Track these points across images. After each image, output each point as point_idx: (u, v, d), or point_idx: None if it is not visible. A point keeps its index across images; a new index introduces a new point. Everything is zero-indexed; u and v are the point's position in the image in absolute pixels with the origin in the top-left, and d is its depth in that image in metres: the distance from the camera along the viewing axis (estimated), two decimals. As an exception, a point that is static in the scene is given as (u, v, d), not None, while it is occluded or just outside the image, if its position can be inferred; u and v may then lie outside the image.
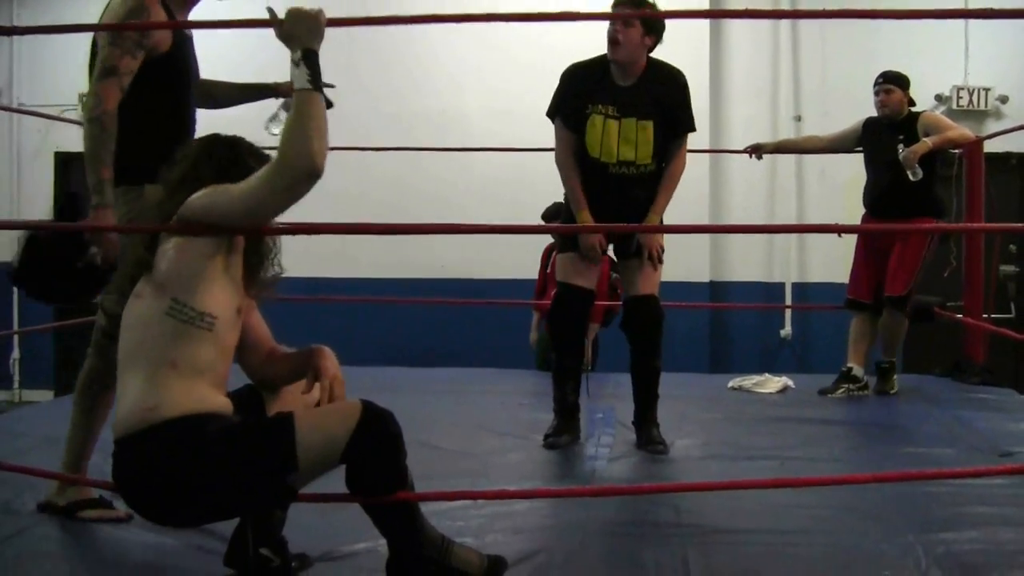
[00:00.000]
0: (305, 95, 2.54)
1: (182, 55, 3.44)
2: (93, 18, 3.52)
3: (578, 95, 4.39)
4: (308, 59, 2.58)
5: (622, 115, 4.33)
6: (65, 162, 9.89)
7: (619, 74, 4.37)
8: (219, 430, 2.51)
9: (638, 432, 4.54)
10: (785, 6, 8.71)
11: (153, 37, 3.25)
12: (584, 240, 4.44)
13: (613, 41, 4.30)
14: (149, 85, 3.27)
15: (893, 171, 5.63)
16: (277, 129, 3.75)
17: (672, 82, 4.43)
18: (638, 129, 4.33)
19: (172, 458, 2.46)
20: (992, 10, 3.38)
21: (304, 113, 2.51)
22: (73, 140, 9.50)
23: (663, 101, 4.38)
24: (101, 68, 3.19)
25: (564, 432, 4.51)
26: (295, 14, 2.63)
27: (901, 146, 5.61)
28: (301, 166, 2.46)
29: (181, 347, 2.51)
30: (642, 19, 4.27)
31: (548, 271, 6.66)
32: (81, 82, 10.79)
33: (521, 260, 6.95)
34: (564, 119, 4.44)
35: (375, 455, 2.52)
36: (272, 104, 3.95)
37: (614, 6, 4.31)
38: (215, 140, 2.77)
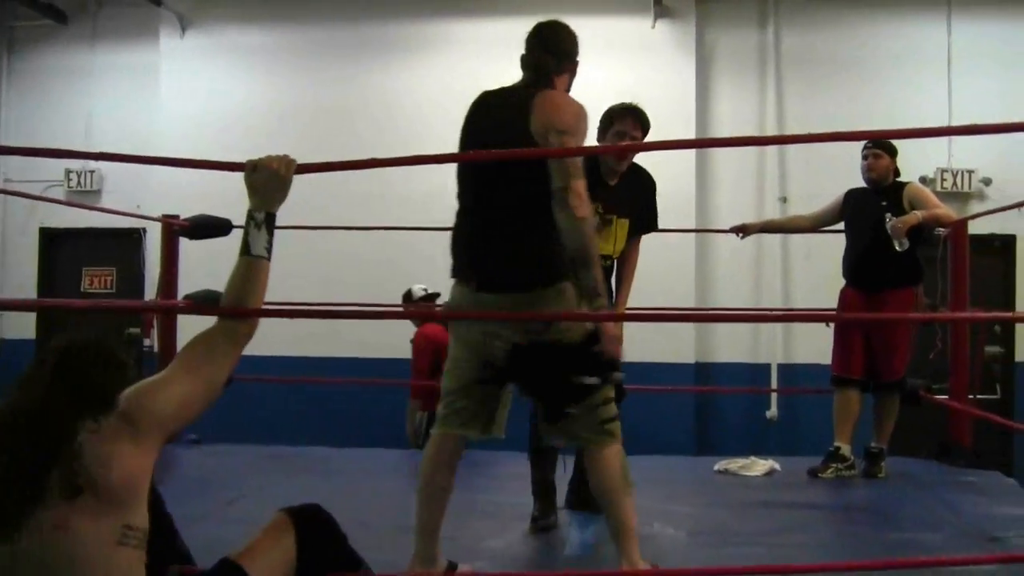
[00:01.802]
0: (260, 263, 2.58)
1: None
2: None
3: None
4: (270, 224, 2.61)
5: (605, 212, 4.42)
6: (50, 239, 9.90)
7: (608, 173, 4.49)
8: None
9: (579, 497, 4.43)
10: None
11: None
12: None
13: (623, 156, 4.45)
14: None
15: (875, 237, 5.66)
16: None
17: (647, 185, 4.64)
18: (617, 226, 4.47)
19: None
20: (976, 126, 3.47)
21: (256, 280, 2.57)
22: (58, 217, 9.55)
23: (638, 202, 4.57)
24: (576, 168, 3.20)
25: (551, 512, 4.47)
26: (266, 169, 2.62)
27: (889, 215, 5.63)
28: (249, 330, 2.55)
29: None
30: (643, 127, 4.45)
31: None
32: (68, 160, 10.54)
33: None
34: None
35: (325, 550, 2.54)
36: None
37: (622, 114, 4.46)
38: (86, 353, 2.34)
